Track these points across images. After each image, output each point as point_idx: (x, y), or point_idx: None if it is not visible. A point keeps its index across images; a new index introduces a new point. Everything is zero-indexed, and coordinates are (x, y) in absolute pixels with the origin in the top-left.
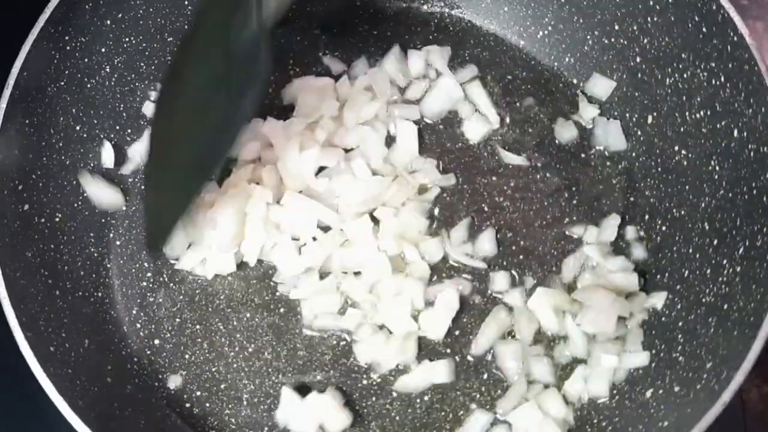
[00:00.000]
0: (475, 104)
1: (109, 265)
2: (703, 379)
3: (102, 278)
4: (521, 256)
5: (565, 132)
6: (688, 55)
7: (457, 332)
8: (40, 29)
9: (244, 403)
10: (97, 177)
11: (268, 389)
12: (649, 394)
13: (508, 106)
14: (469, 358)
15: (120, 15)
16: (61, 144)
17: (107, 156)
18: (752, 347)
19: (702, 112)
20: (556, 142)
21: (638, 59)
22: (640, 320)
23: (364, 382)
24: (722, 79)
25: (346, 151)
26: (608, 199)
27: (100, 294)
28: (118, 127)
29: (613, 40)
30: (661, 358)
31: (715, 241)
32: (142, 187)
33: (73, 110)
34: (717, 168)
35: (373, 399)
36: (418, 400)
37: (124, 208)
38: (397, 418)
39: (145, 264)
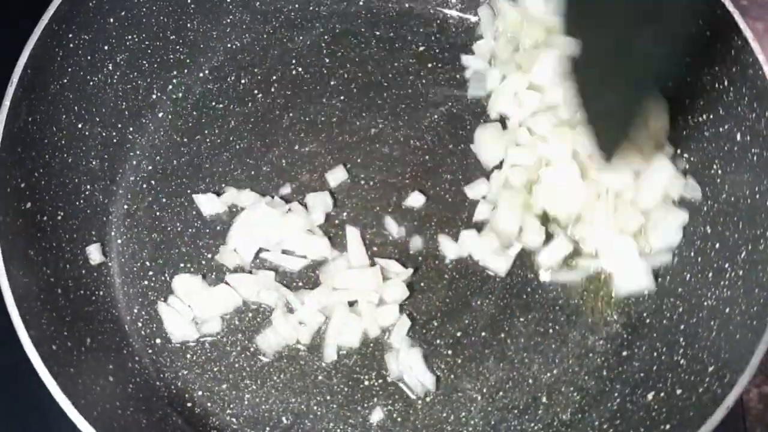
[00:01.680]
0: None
1: (110, 264)
2: (705, 382)
3: (104, 277)
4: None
5: None
6: (690, 58)
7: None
8: (43, 27)
9: (246, 403)
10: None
11: (269, 389)
12: (650, 396)
13: None
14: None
15: (123, 13)
16: (63, 142)
17: None
18: (755, 351)
19: (704, 116)
20: None
21: None
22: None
23: (366, 383)
24: (725, 82)
25: None
26: None
27: (101, 293)
28: (120, 125)
29: None
30: (663, 361)
31: (717, 245)
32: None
33: (76, 108)
34: (719, 172)
35: (375, 400)
36: (419, 401)
37: (125, 207)
38: (399, 419)
39: (147, 263)
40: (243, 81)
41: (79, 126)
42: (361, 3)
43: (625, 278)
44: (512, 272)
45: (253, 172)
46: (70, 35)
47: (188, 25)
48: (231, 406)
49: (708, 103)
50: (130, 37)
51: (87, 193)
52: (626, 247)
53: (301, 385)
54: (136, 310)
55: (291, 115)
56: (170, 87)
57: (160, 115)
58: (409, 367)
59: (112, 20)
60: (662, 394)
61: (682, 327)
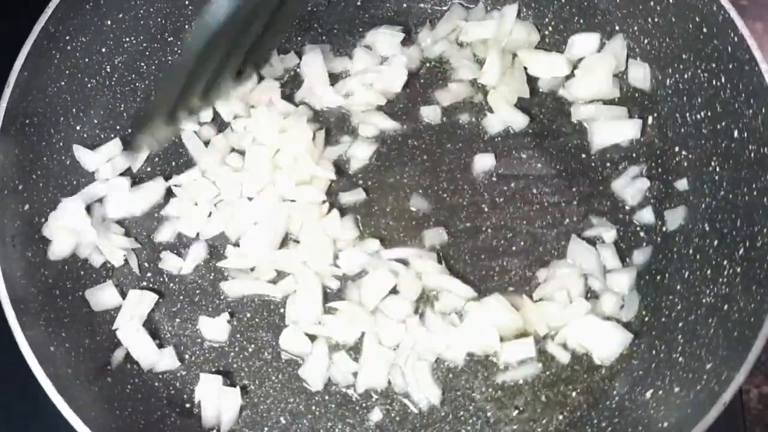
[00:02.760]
0: None
1: (108, 265)
2: (703, 379)
3: (102, 278)
4: (521, 256)
5: (565, 136)
6: (688, 55)
7: None
8: (41, 29)
9: (244, 403)
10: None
11: (268, 389)
12: (649, 394)
13: None
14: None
15: (120, 15)
16: (61, 144)
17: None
18: (752, 348)
19: (702, 113)
20: (557, 144)
21: (638, 60)
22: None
23: None
24: (723, 79)
25: None
26: (608, 199)
27: None
28: (118, 127)
29: None
30: (661, 359)
31: (716, 242)
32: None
33: (74, 110)
34: (717, 169)
35: (373, 399)
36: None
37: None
38: (397, 418)
39: (145, 264)
40: None
41: (77, 128)
42: (360, 3)
43: (603, 349)
44: None
45: None
46: (68, 37)
47: (186, 26)
48: None
49: (706, 101)
50: (127, 39)
51: None
52: (592, 324)
53: (299, 385)
54: None
55: None
56: None
57: None
58: (415, 381)
59: (109, 22)
60: (661, 392)
61: (680, 324)
